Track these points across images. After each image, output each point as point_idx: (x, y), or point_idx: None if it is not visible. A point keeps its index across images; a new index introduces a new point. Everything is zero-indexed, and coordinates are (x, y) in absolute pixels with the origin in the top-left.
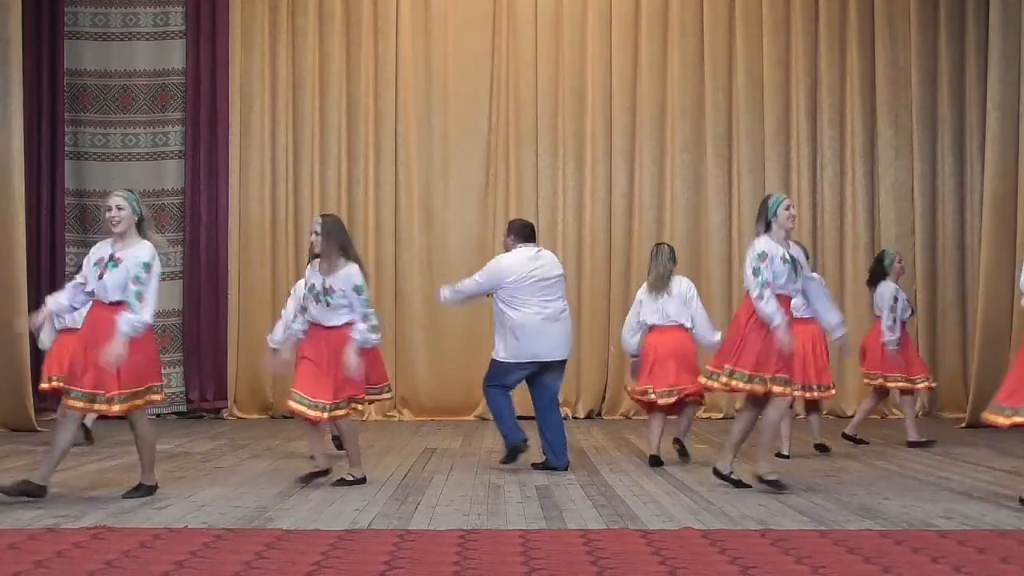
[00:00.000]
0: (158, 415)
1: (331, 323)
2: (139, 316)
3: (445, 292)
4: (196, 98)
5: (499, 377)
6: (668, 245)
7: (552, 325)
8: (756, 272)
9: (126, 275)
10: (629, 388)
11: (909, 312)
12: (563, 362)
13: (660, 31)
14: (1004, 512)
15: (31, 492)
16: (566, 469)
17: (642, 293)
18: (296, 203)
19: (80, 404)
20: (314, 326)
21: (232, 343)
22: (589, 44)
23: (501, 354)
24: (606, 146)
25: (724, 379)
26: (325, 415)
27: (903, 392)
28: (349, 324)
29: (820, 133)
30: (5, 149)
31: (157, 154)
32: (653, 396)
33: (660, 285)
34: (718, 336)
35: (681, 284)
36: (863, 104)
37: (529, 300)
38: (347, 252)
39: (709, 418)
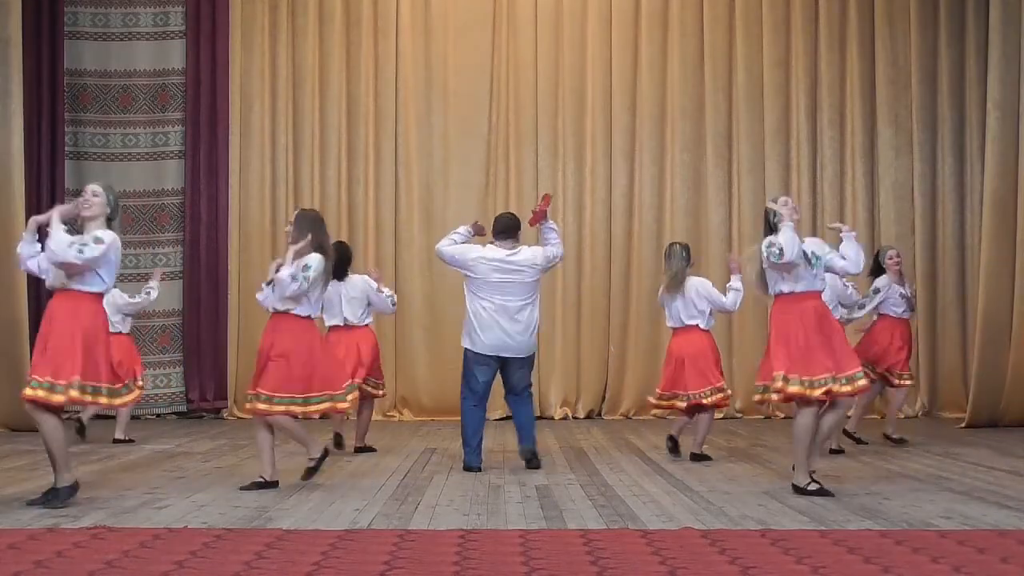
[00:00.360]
0: (159, 415)
1: (281, 308)
2: (72, 247)
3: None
4: (196, 98)
5: (467, 377)
6: (680, 244)
7: (505, 322)
8: (770, 256)
9: (73, 239)
10: (653, 400)
11: (903, 308)
12: (525, 360)
13: (660, 31)
14: (1004, 512)
15: (68, 496)
16: (533, 449)
17: (661, 293)
18: (296, 203)
19: (31, 392)
20: (273, 316)
21: (232, 343)
22: (589, 44)
23: (464, 339)
24: (606, 146)
25: (778, 385)
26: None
27: (888, 385)
28: (300, 316)
29: (820, 133)
30: (5, 149)
31: (157, 154)
32: (677, 403)
33: (674, 286)
34: (728, 299)
35: (692, 284)
36: (863, 104)
37: (489, 295)
38: (323, 248)
39: None
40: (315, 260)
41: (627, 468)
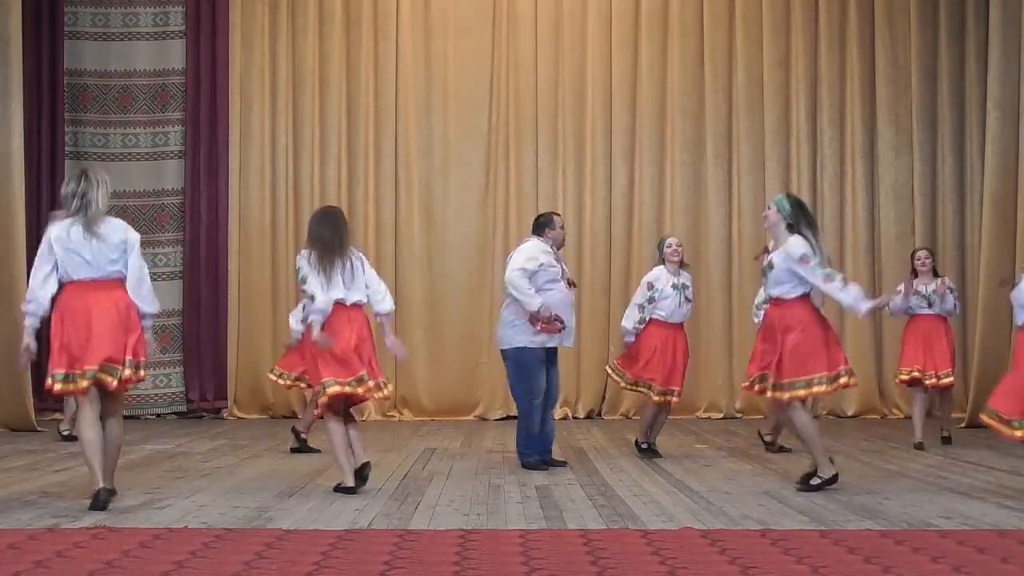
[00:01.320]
0: (159, 415)
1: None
2: None
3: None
4: (196, 98)
5: None
6: (664, 238)
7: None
8: None
9: None
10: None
11: (925, 304)
12: (504, 353)
13: (660, 31)
14: (1004, 512)
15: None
16: (524, 467)
17: None
18: (296, 203)
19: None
20: None
21: (232, 343)
22: (589, 44)
23: None
24: (606, 146)
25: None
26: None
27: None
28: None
29: (820, 133)
30: (5, 149)
31: (157, 154)
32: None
33: None
34: (626, 326)
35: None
36: (863, 104)
37: None
38: (311, 240)
39: (709, 418)
40: (300, 260)
41: (627, 468)
